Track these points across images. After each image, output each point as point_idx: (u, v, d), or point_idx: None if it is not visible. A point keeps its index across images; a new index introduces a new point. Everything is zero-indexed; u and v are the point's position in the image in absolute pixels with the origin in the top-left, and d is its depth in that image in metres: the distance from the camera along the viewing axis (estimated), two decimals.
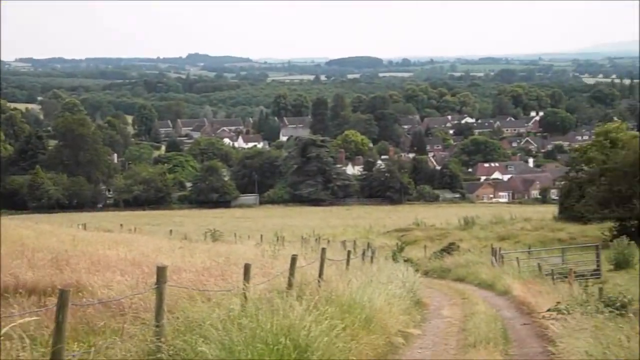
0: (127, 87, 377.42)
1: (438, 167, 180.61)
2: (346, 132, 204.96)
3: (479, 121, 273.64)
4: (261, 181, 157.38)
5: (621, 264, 44.14)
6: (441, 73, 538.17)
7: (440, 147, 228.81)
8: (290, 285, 14.39)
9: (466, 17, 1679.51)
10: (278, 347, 10.70)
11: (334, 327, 12.25)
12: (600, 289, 22.00)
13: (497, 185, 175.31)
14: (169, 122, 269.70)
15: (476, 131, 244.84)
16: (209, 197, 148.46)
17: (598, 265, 42.87)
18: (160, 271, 10.50)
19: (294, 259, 14.98)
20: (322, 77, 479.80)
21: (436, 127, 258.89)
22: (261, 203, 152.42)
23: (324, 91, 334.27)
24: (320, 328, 11.71)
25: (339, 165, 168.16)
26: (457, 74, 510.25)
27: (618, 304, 18.65)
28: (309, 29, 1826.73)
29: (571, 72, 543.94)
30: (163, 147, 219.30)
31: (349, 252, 23.47)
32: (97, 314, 11.79)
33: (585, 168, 73.41)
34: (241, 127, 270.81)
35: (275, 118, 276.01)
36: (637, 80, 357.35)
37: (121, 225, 64.97)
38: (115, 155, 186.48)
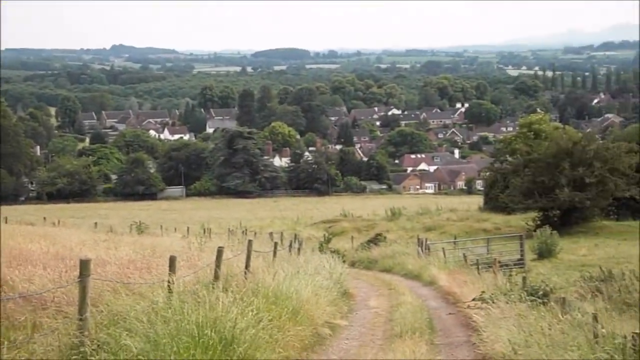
0: (49, 79, 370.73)
1: (365, 159, 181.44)
2: (273, 124, 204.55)
3: (406, 113, 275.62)
4: (187, 173, 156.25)
5: (544, 254, 44.85)
6: (368, 65, 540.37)
7: (367, 139, 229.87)
8: (216, 277, 14.27)
9: (392, 10, 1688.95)
10: (203, 340, 10.62)
11: (260, 319, 12.21)
12: (524, 278, 22.32)
13: (424, 177, 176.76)
14: (93, 114, 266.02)
15: (402, 123, 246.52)
16: (134, 189, 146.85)
17: (522, 255, 43.48)
18: (84, 264, 10.31)
19: (220, 251, 14.86)
20: (249, 69, 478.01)
21: (363, 118, 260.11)
22: (188, 195, 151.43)
23: (251, 83, 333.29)
24: (246, 320, 11.65)
25: (266, 157, 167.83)
26: (384, 66, 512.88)
27: (541, 293, 18.97)
28: (235, 21, 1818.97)
29: (495, 64, 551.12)
30: (87, 139, 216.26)
31: (275, 243, 23.41)
32: (17, 309, 11.53)
33: (510, 159, 74.45)
34: (167, 119, 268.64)
35: (202, 110, 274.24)
36: (560, 72, 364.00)
37: (44, 218, 63.90)
38: (38, 147, 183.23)
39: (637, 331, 11.71)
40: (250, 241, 18.18)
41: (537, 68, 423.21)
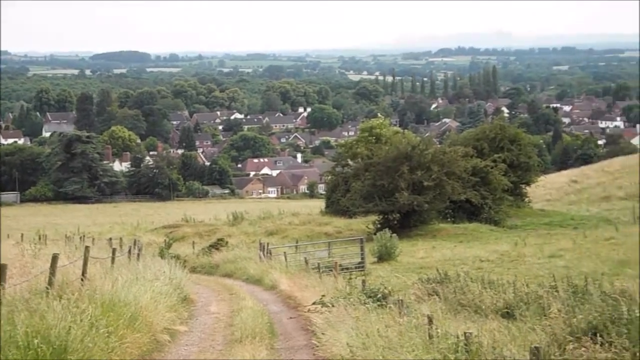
0: None
1: (207, 163, 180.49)
2: (113, 128, 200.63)
3: (248, 117, 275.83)
4: (22, 178, 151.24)
5: (384, 256, 45.52)
6: (210, 69, 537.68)
7: (209, 143, 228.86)
8: (50, 284, 13.82)
9: (233, 13, 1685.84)
10: (32, 351, 10.23)
11: (96, 326, 11.89)
12: (363, 281, 22.59)
13: (266, 181, 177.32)
14: None
15: (245, 127, 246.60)
16: None
17: (362, 258, 43.96)
18: None
19: (54, 258, 14.41)
20: (87, 72, 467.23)
21: (205, 122, 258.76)
22: (22, 201, 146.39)
23: (89, 86, 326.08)
24: (81, 328, 11.31)
25: (105, 162, 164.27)
26: (226, 70, 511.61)
27: (379, 295, 19.23)
28: (72, 23, 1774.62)
29: (337, 69, 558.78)
30: None
31: (114, 249, 22.96)
32: None
33: (351, 163, 75.37)
34: (0, 123, 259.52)
35: (37, 113, 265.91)
36: (399, 78, 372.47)
37: None
38: None
39: (470, 331, 12.03)
40: (87, 247, 17.76)
41: (377, 73, 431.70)
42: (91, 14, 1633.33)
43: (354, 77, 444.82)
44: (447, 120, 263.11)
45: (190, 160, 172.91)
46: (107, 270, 18.69)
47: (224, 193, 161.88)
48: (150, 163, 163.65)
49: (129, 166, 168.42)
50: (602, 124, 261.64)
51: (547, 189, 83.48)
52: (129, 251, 28.18)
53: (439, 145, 73.35)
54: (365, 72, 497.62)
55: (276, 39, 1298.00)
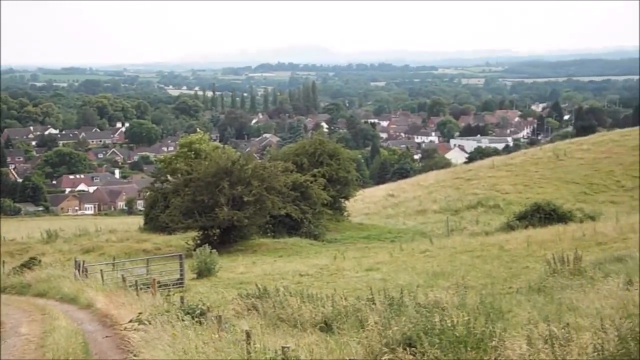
0: None
1: (20, 180, 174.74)
2: None
3: (64, 132, 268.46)
4: None
5: (204, 272, 45.08)
6: (22, 82, 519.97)
7: (22, 159, 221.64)
8: None
9: (45, 26, 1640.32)
10: None
11: None
12: (182, 298, 22.25)
13: (83, 197, 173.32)
14: None
15: (60, 142, 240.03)
16: None
17: (181, 274, 43.46)
18: None
19: None
20: None
21: (17, 138, 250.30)
22: None
23: None
24: None
25: None
26: (39, 84, 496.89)
27: (198, 312, 18.94)
28: None
29: (156, 84, 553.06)
30: None
31: None
32: None
33: (170, 178, 74.43)
34: None
35: None
36: (220, 93, 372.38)
37: None
38: None
39: (288, 345, 11.93)
40: None
41: (197, 88, 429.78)
42: None
43: (173, 92, 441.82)
44: (267, 135, 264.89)
45: (1, 177, 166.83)
46: None
47: (38, 210, 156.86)
48: None
49: None
50: (418, 139, 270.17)
51: (365, 202, 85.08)
52: None
53: (259, 161, 73.52)
54: (184, 87, 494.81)
55: (92, 52, 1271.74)
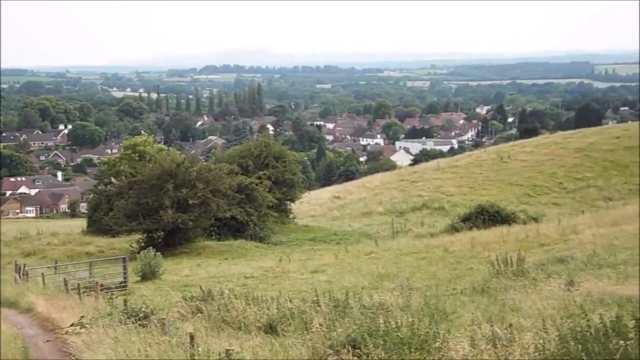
0: None
1: None
2: None
3: (4, 134, 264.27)
4: None
5: (148, 275, 44.74)
6: None
7: None
8: None
9: None
10: None
11: None
12: (125, 301, 22.05)
13: (24, 200, 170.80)
14: None
15: (1, 144, 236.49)
16: None
17: (125, 277, 43.13)
18: None
19: None
20: None
21: None
22: None
23: None
24: None
25: None
26: None
27: (141, 315, 18.77)
28: None
29: (100, 86, 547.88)
30: None
31: None
32: None
33: (114, 181, 73.79)
34: None
35: None
36: (164, 95, 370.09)
37: None
38: None
39: (232, 347, 11.87)
40: None
41: (141, 90, 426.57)
42: None
43: (117, 93, 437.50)
44: (212, 137, 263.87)
45: None
46: None
47: None
48: None
49: None
50: (364, 141, 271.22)
51: (311, 205, 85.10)
52: None
53: (204, 163, 73.17)
54: (129, 89, 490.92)
55: (34, 54, 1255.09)
